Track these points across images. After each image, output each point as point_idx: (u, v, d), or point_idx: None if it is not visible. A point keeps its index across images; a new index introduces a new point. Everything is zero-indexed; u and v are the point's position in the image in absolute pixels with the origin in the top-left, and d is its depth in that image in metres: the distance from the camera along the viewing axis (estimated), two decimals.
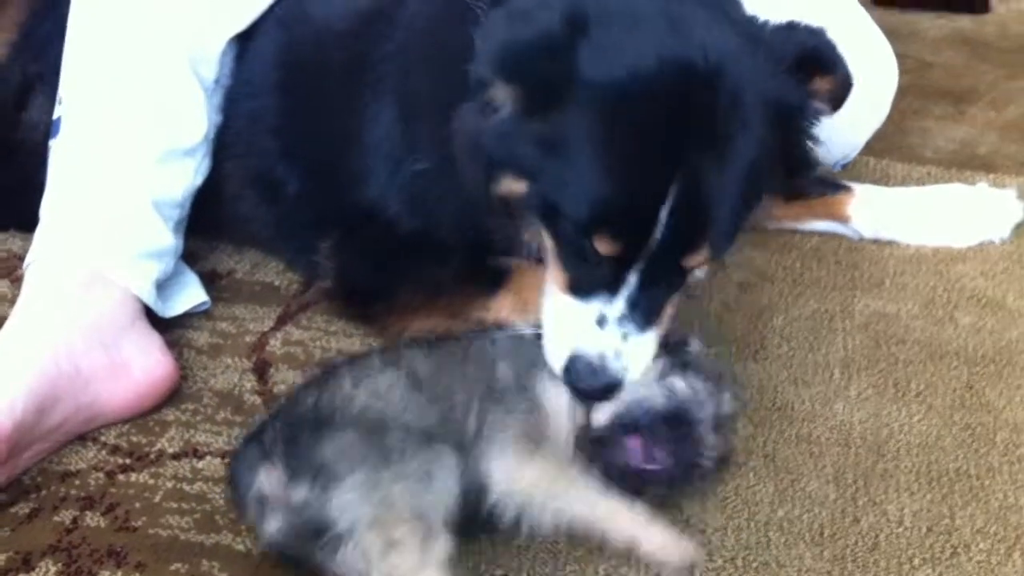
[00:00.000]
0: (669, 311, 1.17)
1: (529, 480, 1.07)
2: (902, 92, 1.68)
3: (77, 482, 1.20)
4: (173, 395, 1.30)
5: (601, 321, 1.13)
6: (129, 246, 1.32)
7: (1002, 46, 2.15)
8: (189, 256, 1.46)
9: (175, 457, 1.23)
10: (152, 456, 1.23)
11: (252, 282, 1.50)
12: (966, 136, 1.85)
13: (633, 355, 1.13)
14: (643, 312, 1.13)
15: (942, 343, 1.38)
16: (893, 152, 1.77)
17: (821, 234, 1.60)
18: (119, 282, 1.30)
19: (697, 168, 1.06)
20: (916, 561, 1.10)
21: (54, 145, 1.38)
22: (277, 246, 1.52)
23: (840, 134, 1.62)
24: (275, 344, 1.39)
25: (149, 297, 1.32)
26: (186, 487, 1.19)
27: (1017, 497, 1.16)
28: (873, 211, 1.58)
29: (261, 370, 1.35)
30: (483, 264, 1.33)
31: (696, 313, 1.43)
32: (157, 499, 1.18)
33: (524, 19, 1.10)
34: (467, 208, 1.25)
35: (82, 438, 1.25)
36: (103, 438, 1.25)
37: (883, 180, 1.68)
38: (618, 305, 1.13)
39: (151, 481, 1.20)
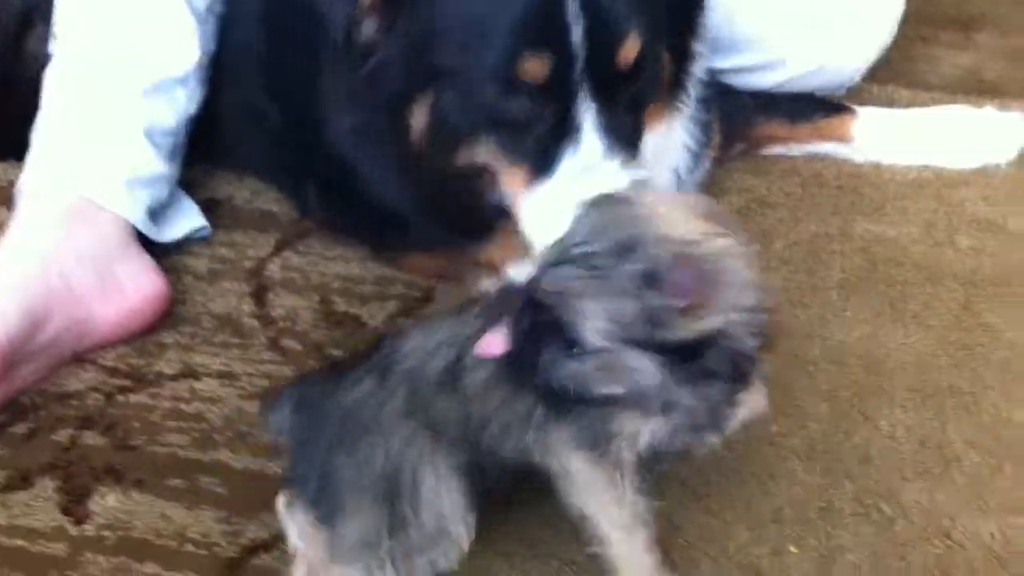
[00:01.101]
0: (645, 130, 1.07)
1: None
2: (909, 19, 1.65)
3: (75, 403, 1.21)
4: (170, 318, 1.31)
5: (588, 168, 1.02)
6: (120, 173, 1.32)
7: None
8: (187, 184, 1.46)
9: (173, 378, 1.24)
10: (150, 377, 1.24)
11: (251, 209, 1.50)
12: (973, 62, 1.82)
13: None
14: (622, 133, 1.02)
15: (941, 266, 1.37)
16: (898, 79, 1.74)
17: (823, 159, 1.58)
18: (110, 208, 1.31)
19: None
20: (908, 473, 1.10)
21: (47, 74, 1.39)
22: (268, 178, 1.52)
23: (843, 56, 1.62)
24: (274, 269, 1.39)
25: (141, 223, 1.33)
26: (184, 407, 1.21)
27: (1010, 412, 1.16)
28: (877, 132, 1.56)
29: (259, 295, 1.36)
30: (462, 218, 1.29)
31: None
32: (155, 418, 1.20)
33: None
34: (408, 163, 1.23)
35: (80, 361, 1.26)
36: (101, 360, 1.26)
37: (888, 106, 1.66)
38: (591, 138, 1.01)
39: (149, 401, 1.22)
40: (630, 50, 1.03)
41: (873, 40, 1.63)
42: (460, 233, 1.31)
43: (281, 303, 1.34)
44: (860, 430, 1.15)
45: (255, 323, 1.32)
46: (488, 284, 1.30)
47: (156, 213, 1.38)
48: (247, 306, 1.34)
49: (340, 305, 1.34)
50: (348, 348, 1.27)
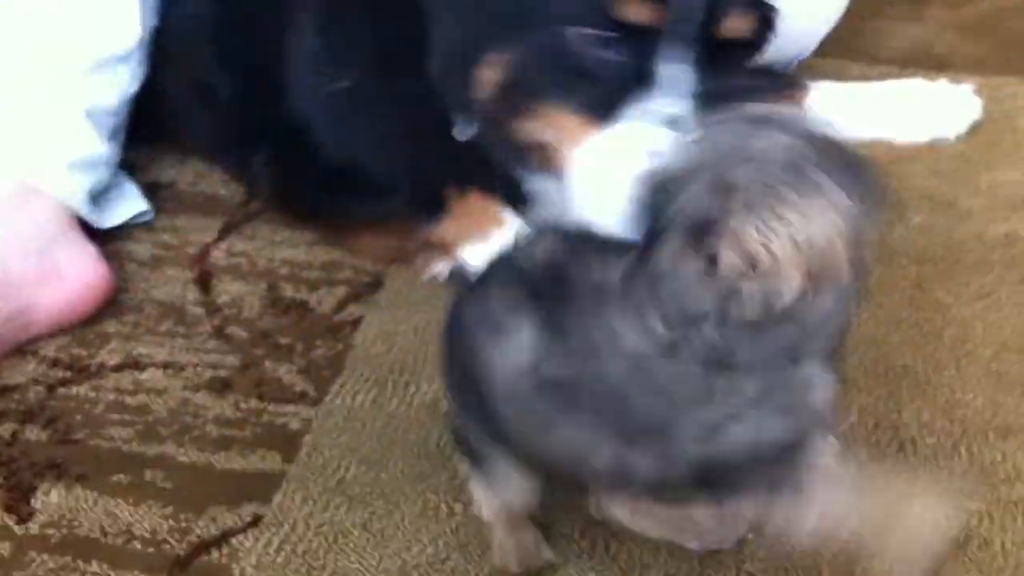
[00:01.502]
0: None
1: None
2: None
3: (16, 396, 1.18)
4: (112, 306, 1.28)
5: (661, 120, 0.93)
6: (60, 156, 1.29)
7: None
8: (129, 166, 1.43)
9: (116, 369, 1.21)
10: (93, 368, 1.21)
11: (195, 193, 1.46)
12: (923, 35, 1.82)
13: None
14: (713, 103, 0.89)
15: (892, 242, 1.37)
16: (849, 52, 1.74)
17: None
18: (50, 192, 1.27)
19: None
20: (863, 456, 1.10)
21: None
22: (215, 156, 1.49)
23: (795, 29, 1.60)
24: (219, 255, 1.36)
25: (82, 207, 1.30)
26: (128, 399, 1.18)
27: (964, 392, 1.16)
28: (829, 106, 1.56)
29: (204, 281, 1.32)
30: (424, 192, 1.29)
31: None
32: (98, 411, 1.16)
33: None
34: (399, 133, 1.23)
35: (21, 352, 1.23)
36: (42, 352, 1.23)
37: (838, 79, 1.65)
38: (673, 92, 0.93)
39: (92, 394, 1.18)
40: (739, 22, 0.97)
41: (825, 14, 1.62)
42: (420, 208, 1.29)
43: (226, 290, 1.31)
44: None
45: (200, 311, 1.28)
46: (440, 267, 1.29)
47: (97, 197, 1.34)
48: (191, 293, 1.31)
49: (287, 291, 1.31)
50: (296, 335, 1.25)
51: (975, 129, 1.57)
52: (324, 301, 1.29)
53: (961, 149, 1.53)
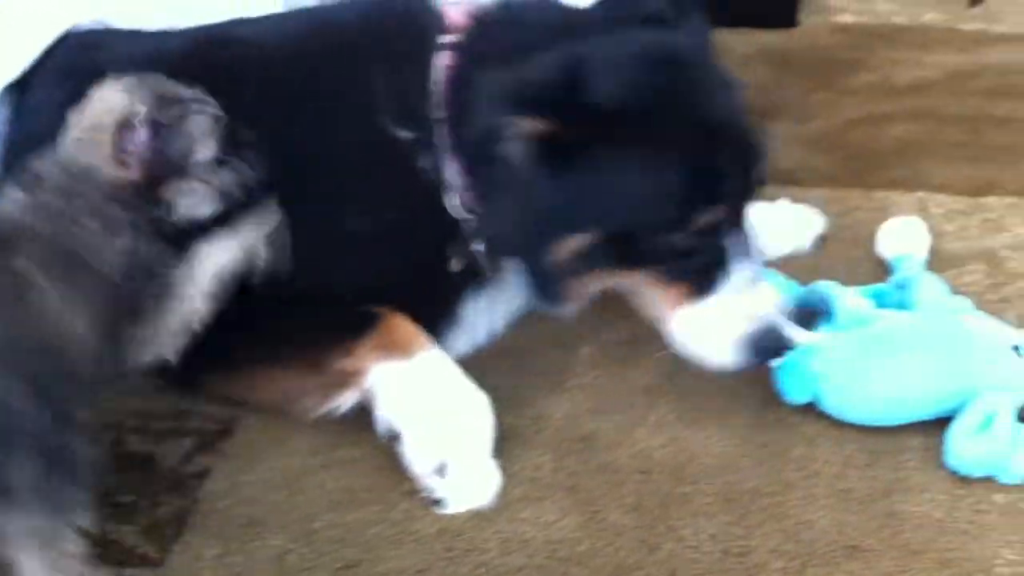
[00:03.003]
0: None
1: None
2: None
3: None
4: None
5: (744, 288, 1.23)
6: None
7: (807, 59, 2.18)
8: None
9: None
10: None
11: None
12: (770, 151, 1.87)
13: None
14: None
15: None
16: None
17: None
18: None
19: (737, 119, 1.25)
20: None
21: None
22: None
23: None
24: None
25: None
26: None
27: (810, 513, 1.17)
28: None
29: None
30: (344, 311, 1.27)
31: (509, 348, 1.42)
32: None
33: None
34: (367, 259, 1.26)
35: None
36: None
37: None
38: (741, 265, 1.22)
39: None
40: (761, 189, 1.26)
41: None
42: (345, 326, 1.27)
43: None
44: (666, 542, 1.14)
45: None
46: None
47: None
48: None
49: (134, 444, 1.28)
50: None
51: (823, 242, 1.61)
52: (170, 453, 1.26)
53: (810, 263, 1.56)
